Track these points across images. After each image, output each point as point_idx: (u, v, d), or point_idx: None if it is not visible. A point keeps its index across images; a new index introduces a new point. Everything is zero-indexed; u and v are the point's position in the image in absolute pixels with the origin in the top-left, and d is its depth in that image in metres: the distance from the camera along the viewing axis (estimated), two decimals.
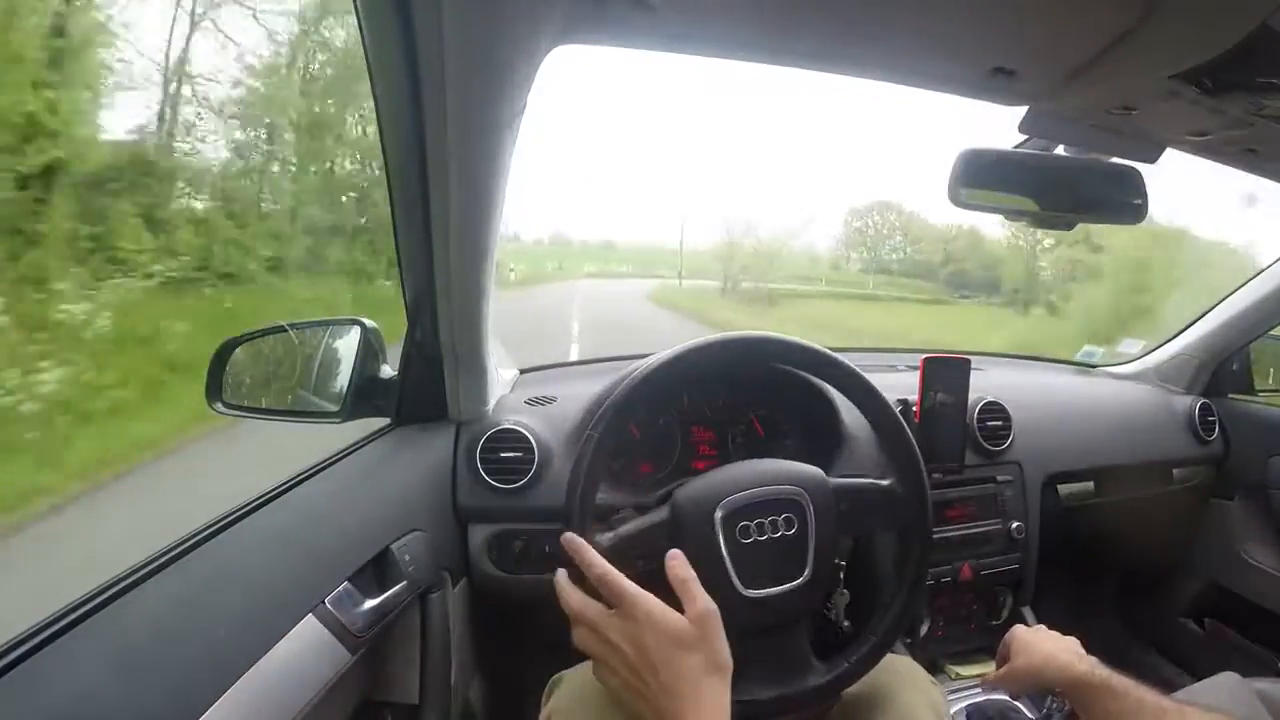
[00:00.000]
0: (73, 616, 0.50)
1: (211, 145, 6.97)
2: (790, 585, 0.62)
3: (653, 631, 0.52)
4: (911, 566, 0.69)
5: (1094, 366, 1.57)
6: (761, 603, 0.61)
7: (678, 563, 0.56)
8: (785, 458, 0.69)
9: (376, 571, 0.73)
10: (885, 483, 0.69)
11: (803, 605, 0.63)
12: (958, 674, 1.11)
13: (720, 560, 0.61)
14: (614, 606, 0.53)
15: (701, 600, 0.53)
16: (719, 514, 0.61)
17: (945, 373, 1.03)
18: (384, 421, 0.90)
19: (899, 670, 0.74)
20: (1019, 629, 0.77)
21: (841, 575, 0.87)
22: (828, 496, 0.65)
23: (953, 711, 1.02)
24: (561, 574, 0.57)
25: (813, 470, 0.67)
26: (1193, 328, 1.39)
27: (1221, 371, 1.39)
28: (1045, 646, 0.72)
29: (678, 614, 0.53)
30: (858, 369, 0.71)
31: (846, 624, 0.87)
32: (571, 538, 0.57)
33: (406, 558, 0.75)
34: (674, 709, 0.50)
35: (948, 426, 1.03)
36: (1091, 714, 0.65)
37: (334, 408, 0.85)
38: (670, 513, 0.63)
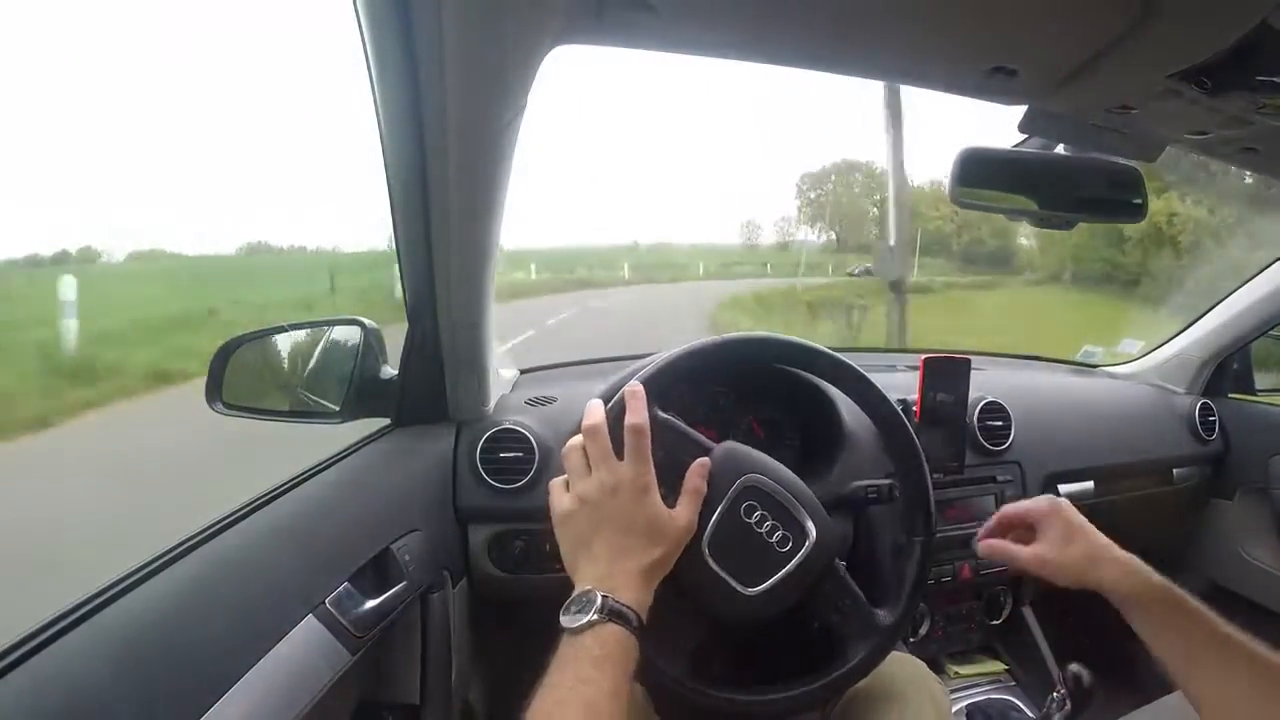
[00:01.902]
0: (73, 616, 0.50)
1: None
2: (743, 589, 0.60)
3: (638, 501, 0.54)
4: (913, 566, 0.69)
5: (1094, 366, 1.58)
6: (713, 580, 0.60)
7: (699, 472, 0.59)
8: (786, 460, 0.69)
9: (376, 571, 0.73)
10: (885, 482, 0.69)
11: (741, 614, 0.61)
12: (958, 674, 1.11)
13: (709, 515, 0.60)
14: (622, 458, 0.55)
15: (690, 516, 0.56)
16: (742, 480, 0.61)
17: (945, 373, 1.03)
18: (384, 421, 0.90)
19: (903, 668, 0.74)
20: (1059, 506, 0.67)
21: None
22: (828, 554, 0.64)
23: (954, 710, 1.03)
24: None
25: (829, 522, 0.65)
26: (1193, 327, 1.39)
27: (1222, 371, 1.39)
28: (1100, 539, 0.64)
29: (668, 508, 0.55)
30: (861, 369, 0.71)
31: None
32: (639, 387, 0.58)
33: (406, 558, 0.75)
34: (595, 572, 0.52)
35: (948, 426, 1.03)
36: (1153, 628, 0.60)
37: (334, 408, 0.85)
38: (713, 452, 0.62)
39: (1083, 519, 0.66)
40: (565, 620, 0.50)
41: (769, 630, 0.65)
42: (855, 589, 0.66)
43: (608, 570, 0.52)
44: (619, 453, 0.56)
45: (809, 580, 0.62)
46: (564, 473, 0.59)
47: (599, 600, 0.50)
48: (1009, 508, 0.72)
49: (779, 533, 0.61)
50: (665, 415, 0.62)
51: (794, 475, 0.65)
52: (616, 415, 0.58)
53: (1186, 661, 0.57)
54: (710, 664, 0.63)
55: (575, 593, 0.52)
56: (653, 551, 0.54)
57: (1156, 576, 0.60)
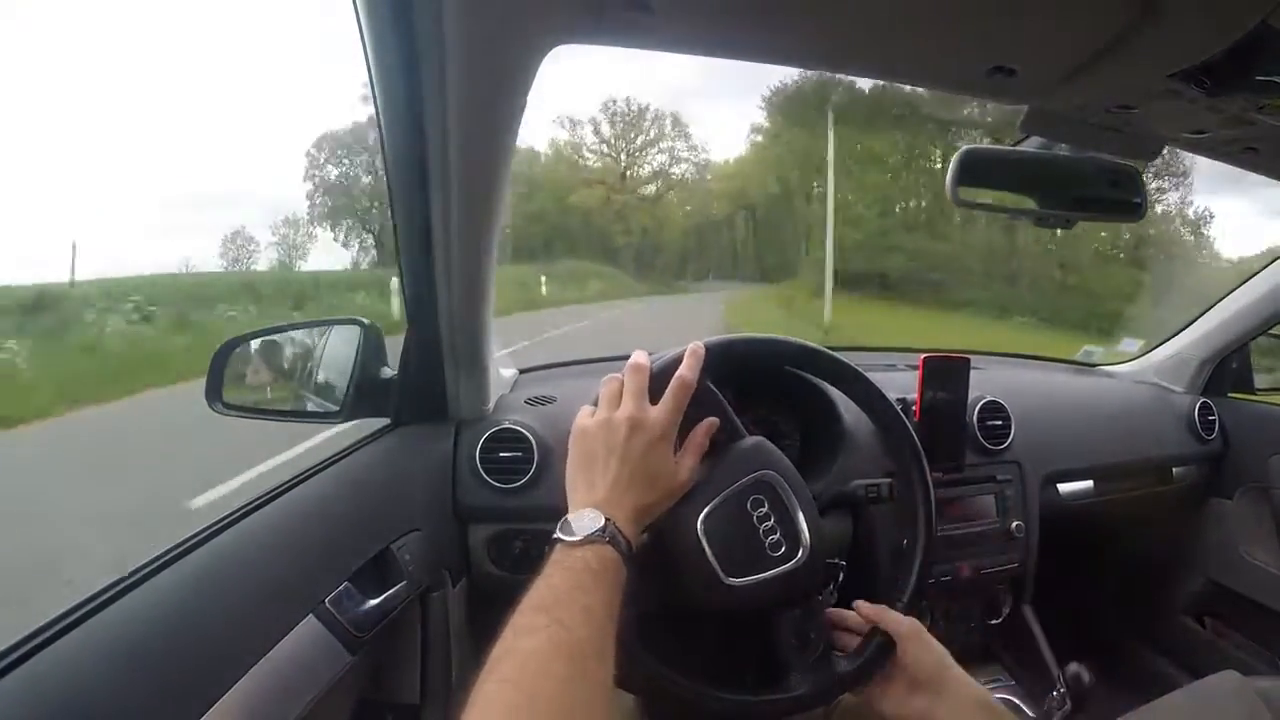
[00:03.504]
0: (74, 616, 0.50)
1: None
2: (724, 576, 0.60)
3: (653, 445, 0.57)
4: (913, 566, 0.69)
5: (1094, 366, 1.58)
6: (700, 555, 0.59)
7: (705, 430, 0.61)
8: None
9: (376, 571, 0.73)
10: (885, 481, 0.69)
11: (718, 602, 0.61)
12: None
13: (713, 493, 0.60)
14: (655, 402, 0.58)
15: (689, 469, 0.59)
16: (759, 474, 0.62)
17: (945, 372, 1.03)
18: (384, 421, 0.90)
19: None
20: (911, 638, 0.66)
21: (840, 575, 0.87)
22: (811, 579, 0.63)
23: None
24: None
25: (822, 551, 0.63)
26: (1192, 327, 1.39)
27: (1221, 370, 1.39)
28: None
29: (676, 462, 0.58)
30: (860, 369, 0.71)
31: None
32: (701, 347, 0.62)
33: (406, 557, 0.75)
34: (596, 497, 0.54)
35: (947, 426, 1.03)
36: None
37: (334, 408, 0.85)
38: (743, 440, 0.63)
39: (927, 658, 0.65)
40: (563, 534, 0.51)
41: (738, 629, 0.65)
42: (823, 628, 0.66)
43: (608, 497, 0.54)
44: (654, 400, 0.58)
45: (787, 594, 0.62)
46: (563, 472, 0.59)
47: (603, 522, 0.51)
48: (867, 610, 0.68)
49: (775, 535, 0.61)
50: (714, 388, 0.64)
51: (809, 493, 0.64)
52: (662, 367, 0.60)
53: None
54: (686, 658, 0.63)
55: (573, 512, 0.53)
56: (651, 495, 0.56)
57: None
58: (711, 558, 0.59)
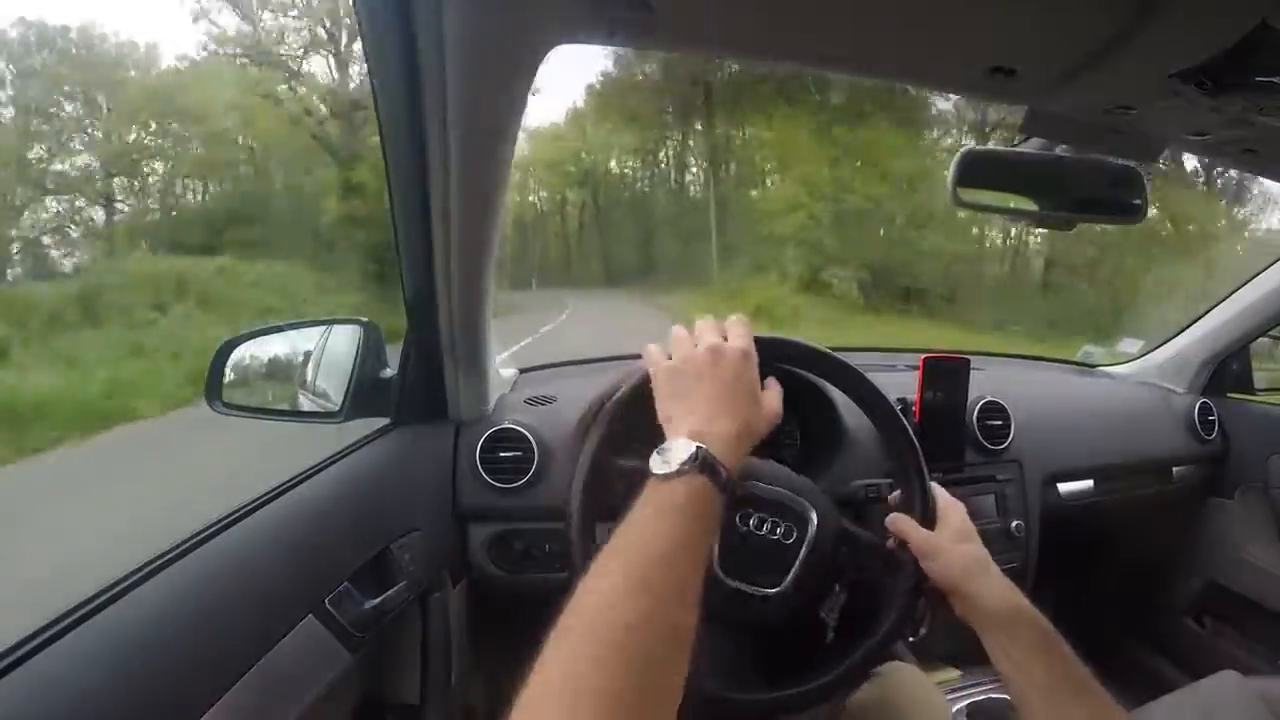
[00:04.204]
0: (73, 617, 0.50)
1: None
2: (767, 591, 0.62)
3: (741, 365, 0.57)
4: (911, 566, 0.69)
5: (1094, 366, 1.58)
6: (734, 595, 0.61)
7: (774, 384, 0.61)
8: (785, 459, 0.69)
9: (376, 571, 0.73)
10: (885, 482, 0.69)
11: (773, 614, 0.63)
12: (958, 674, 1.11)
13: (739, 591, 0.61)
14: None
15: (776, 403, 0.59)
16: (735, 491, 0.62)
17: (945, 372, 1.03)
18: (384, 421, 0.90)
19: (903, 679, 0.74)
20: (959, 506, 0.69)
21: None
22: (833, 523, 0.65)
23: (954, 710, 1.03)
24: None
25: (824, 496, 0.67)
26: (1193, 327, 1.39)
27: (1221, 371, 1.39)
28: (986, 553, 0.65)
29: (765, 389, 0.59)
30: (859, 369, 0.71)
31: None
32: (744, 317, 0.61)
33: (406, 557, 0.75)
34: (692, 425, 0.53)
35: (947, 426, 1.03)
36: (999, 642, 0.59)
37: (334, 408, 0.85)
38: None
39: (974, 529, 0.67)
40: (655, 465, 0.49)
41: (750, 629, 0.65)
42: (872, 538, 0.67)
43: (705, 426, 0.52)
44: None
45: (827, 556, 0.63)
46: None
47: (694, 450, 0.49)
48: None
49: (781, 528, 0.62)
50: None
51: (780, 467, 0.66)
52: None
53: (1044, 694, 0.55)
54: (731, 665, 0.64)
55: (669, 441, 0.51)
56: (751, 412, 0.56)
57: (1029, 604, 0.60)
58: (744, 586, 0.61)
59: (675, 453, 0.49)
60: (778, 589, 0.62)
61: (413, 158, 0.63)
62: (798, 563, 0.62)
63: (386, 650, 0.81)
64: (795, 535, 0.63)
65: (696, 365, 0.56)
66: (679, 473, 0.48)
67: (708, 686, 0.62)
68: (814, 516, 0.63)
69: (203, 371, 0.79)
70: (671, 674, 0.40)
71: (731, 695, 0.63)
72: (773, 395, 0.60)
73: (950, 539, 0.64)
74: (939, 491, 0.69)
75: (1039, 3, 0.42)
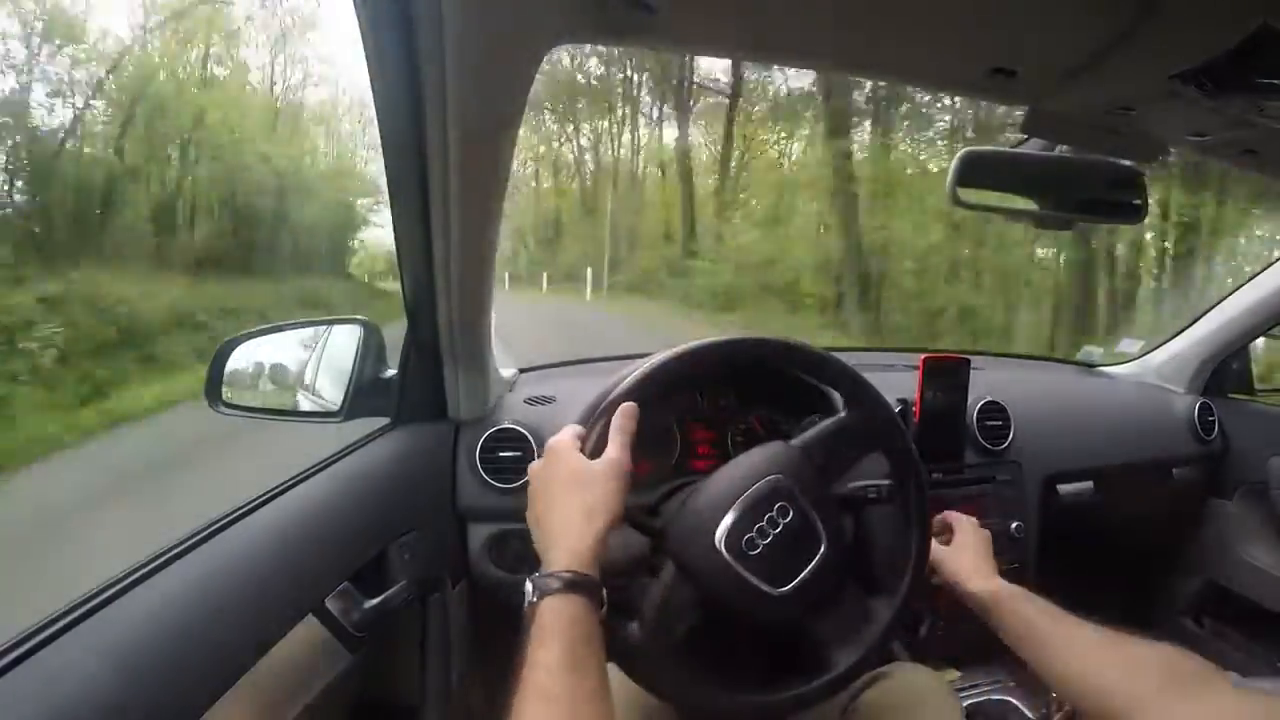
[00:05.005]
0: (73, 616, 0.50)
1: None
2: (814, 562, 0.61)
3: (560, 460, 0.57)
4: (910, 566, 0.69)
5: (1094, 366, 1.58)
6: (797, 592, 0.60)
7: (627, 413, 0.60)
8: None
9: (376, 571, 0.73)
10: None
11: (831, 575, 0.62)
12: (957, 674, 1.11)
13: (742, 578, 0.59)
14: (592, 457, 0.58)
15: (616, 453, 0.58)
16: (720, 543, 0.60)
17: (945, 372, 1.03)
18: (384, 421, 0.90)
19: (915, 680, 0.73)
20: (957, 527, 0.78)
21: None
22: (802, 464, 0.64)
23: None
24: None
25: (776, 447, 0.65)
26: (1193, 327, 1.39)
27: (1221, 371, 1.39)
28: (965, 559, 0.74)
29: (588, 460, 0.57)
30: (852, 368, 0.71)
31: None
32: (632, 408, 0.60)
33: (406, 557, 0.75)
34: (543, 547, 0.55)
35: (947, 426, 1.03)
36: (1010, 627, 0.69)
37: (334, 407, 0.85)
38: (674, 564, 0.61)
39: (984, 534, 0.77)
40: (527, 592, 0.51)
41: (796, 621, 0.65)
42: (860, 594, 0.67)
43: (551, 541, 0.54)
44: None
45: (830, 579, 0.62)
46: None
47: (549, 576, 0.51)
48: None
49: (775, 513, 0.61)
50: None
51: (718, 476, 0.65)
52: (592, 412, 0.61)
53: (1061, 645, 0.66)
54: (718, 664, 0.64)
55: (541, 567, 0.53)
56: (583, 496, 0.55)
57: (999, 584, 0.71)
58: (751, 577, 0.59)
59: (536, 582, 0.51)
60: (821, 550, 0.61)
61: (413, 157, 0.63)
62: (817, 517, 0.62)
63: (386, 650, 0.81)
64: (793, 509, 0.61)
65: (541, 479, 0.58)
66: (530, 605, 0.50)
67: (707, 690, 0.62)
68: (784, 476, 0.62)
69: None
70: None
71: (731, 697, 0.62)
72: (611, 447, 0.58)
73: (969, 567, 0.73)
74: (962, 519, 0.76)
75: (1039, 4, 0.42)
